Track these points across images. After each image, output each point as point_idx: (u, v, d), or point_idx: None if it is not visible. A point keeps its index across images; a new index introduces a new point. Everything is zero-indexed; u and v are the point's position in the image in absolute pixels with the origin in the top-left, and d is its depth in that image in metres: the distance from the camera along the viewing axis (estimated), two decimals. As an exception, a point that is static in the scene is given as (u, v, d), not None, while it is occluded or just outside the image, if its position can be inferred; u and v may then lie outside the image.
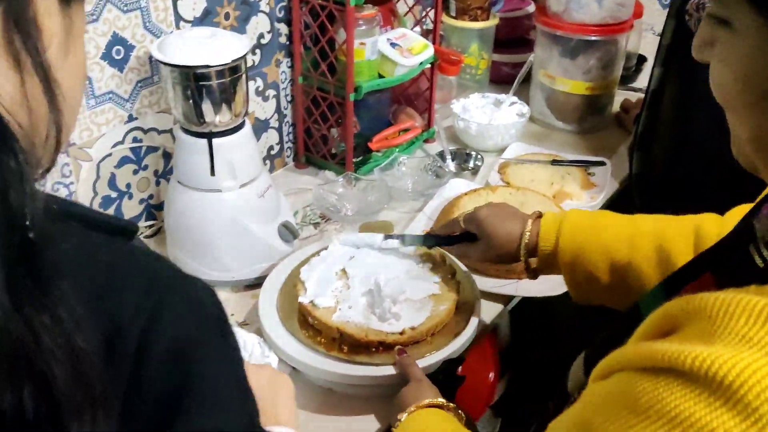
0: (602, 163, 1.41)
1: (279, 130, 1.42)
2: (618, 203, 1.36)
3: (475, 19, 1.66)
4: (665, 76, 1.23)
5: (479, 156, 1.45)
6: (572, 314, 1.20)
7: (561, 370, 0.69)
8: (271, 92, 1.36)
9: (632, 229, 0.85)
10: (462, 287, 1.00)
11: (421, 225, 1.25)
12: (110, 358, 0.39)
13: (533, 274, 0.95)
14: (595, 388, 0.48)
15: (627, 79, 1.77)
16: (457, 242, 1.00)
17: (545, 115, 1.60)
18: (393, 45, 1.34)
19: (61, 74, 0.47)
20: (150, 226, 1.23)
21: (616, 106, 1.64)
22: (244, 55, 1.00)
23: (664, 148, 1.29)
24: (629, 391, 0.43)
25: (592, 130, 1.58)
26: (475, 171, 1.43)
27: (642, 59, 1.86)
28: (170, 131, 1.19)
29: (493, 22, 1.68)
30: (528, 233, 0.90)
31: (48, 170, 0.44)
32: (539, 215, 0.93)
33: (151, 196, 1.22)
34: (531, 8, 1.82)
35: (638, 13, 1.67)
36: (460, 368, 0.98)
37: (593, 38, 1.48)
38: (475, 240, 0.96)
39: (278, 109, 1.40)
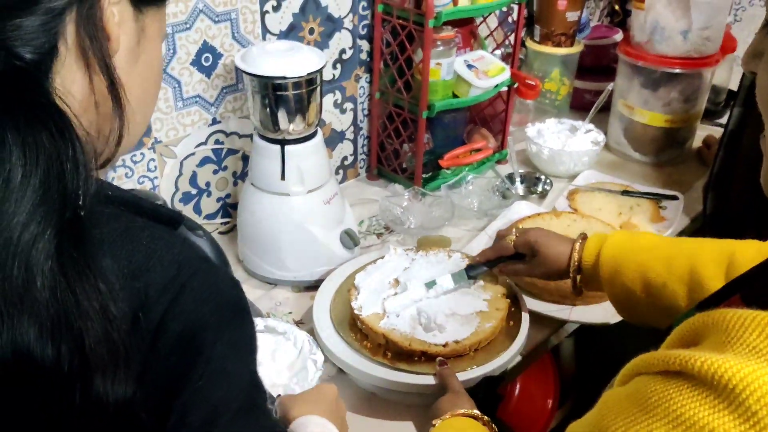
0: (675, 198, 1.39)
1: (354, 141, 1.47)
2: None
3: (559, 45, 1.67)
4: (746, 116, 1.21)
5: (549, 180, 1.45)
6: (637, 344, 1.20)
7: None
8: (348, 105, 1.42)
9: (670, 250, 0.88)
10: (512, 308, 1.01)
11: (482, 244, 1.26)
12: (135, 328, 0.45)
13: (578, 291, 0.99)
14: (615, 391, 0.50)
15: (714, 114, 1.73)
16: (501, 263, 1.04)
17: (621, 145, 1.59)
18: (469, 66, 1.37)
19: (130, 78, 0.53)
20: (225, 223, 1.31)
21: (698, 141, 1.60)
22: (320, 69, 1.06)
23: (740, 190, 1.26)
24: (642, 391, 0.45)
25: (669, 163, 1.55)
26: (543, 195, 1.43)
27: (732, 95, 1.80)
28: (250, 136, 1.26)
29: (577, 49, 1.68)
30: (576, 252, 0.95)
31: (108, 161, 0.50)
32: (585, 236, 0.97)
33: (228, 196, 1.30)
34: (618, 37, 1.81)
35: (730, 48, 1.63)
36: (505, 387, 1.00)
37: (676, 71, 1.45)
38: (523, 259, 1.00)
39: (354, 122, 1.45)
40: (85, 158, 0.43)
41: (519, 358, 1.00)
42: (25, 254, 0.39)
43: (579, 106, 1.78)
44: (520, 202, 1.36)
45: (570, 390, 1.48)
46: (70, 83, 0.49)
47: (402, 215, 1.32)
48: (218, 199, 1.29)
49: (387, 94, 1.40)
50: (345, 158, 1.47)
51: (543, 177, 1.46)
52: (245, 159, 1.29)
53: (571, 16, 1.64)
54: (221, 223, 1.31)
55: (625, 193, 1.40)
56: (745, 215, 1.27)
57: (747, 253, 0.81)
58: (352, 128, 1.46)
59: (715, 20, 1.42)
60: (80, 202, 0.42)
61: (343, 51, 1.36)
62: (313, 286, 1.14)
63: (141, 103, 0.54)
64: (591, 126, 1.54)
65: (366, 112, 1.47)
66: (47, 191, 0.41)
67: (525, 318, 1.01)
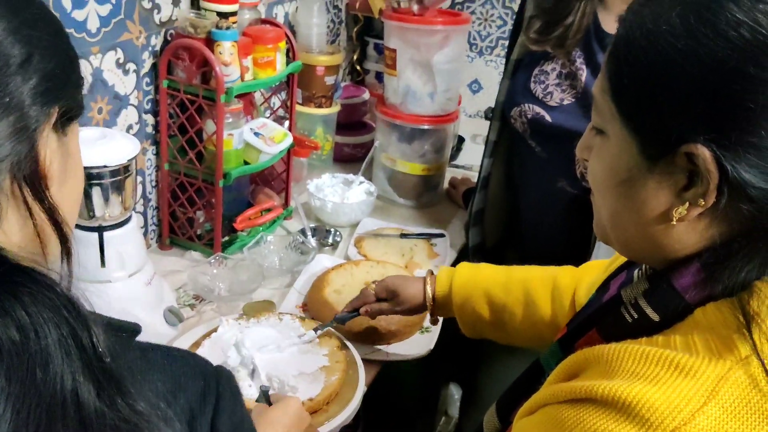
0: (442, 235, 1.62)
1: (144, 214, 1.46)
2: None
3: (320, 106, 1.83)
4: (492, 165, 1.47)
5: (338, 232, 1.59)
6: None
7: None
8: (137, 179, 1.41)
9: (506, 277, 1.06)
10: (347, 356, 1.12)
11: (294, 300, 1.35)
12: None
13: (434, 318, 1.14)
14: (523, 424, 0.63)
15: (452, 157, 2.03)
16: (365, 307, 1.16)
17: (388, 192, 1.79)
18: (256, 134, 1.46)
19: (62, 197, 0.54)
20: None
21: (446, 183, 1.88)
22: (137, 154, 1.07)
23: (493, 224, 1.53)
24: (555, 417, 0.58)
25: (428, 205, 1.80)
26: (335, 246, 1.57)
27: (461, 140, 2.14)
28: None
29: (335, 108, 1.86)
30: (429, 286, 1.10)
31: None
32: (432, 273, 1.13)
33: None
34: (366, 95, 2.04)
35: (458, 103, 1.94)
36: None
37: (427, 127, 1.70)
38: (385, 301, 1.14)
39: (144, 194, 1.44)
40: (79, 304, 0.45)
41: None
42: (74, 404, 0.41)
43: (341, 158, 1.96)
44: (320, 255, 1.47)
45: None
46: (12, 229, 0.49)
47: (210, 283, 1.35)
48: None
49: (176, 164, 1.42)
50: (137, 232, 1.45)
51: (332, 229, 1.60)
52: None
53: (329, 80, 1.82)
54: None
55: (403, 236, 1.60)
56: (501, 245, 1.55)
57: (565, 277, 1.02)
58: (141, 200, 1.44)
59: (453, 84, 1.70)
60: (101, 350, 0.44)
61: (129, 127, 1.35)
62: (143, 370, 1.12)
63: (72, 215, 0.55)
64: (362, 178, 1.72)
65: (154, 183, 1.46)
66: (68, 347, 0.43)
67: (360, 364, 1.13)
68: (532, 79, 1.31)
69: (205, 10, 1.37)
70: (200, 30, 1.32)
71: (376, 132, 1.80)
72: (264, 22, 1.52)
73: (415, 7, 1.63)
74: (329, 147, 1.90)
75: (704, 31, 0.54)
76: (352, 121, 2.01)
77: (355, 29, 2.17)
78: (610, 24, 1.22)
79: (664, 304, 0.60)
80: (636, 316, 0.62)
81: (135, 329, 0.55)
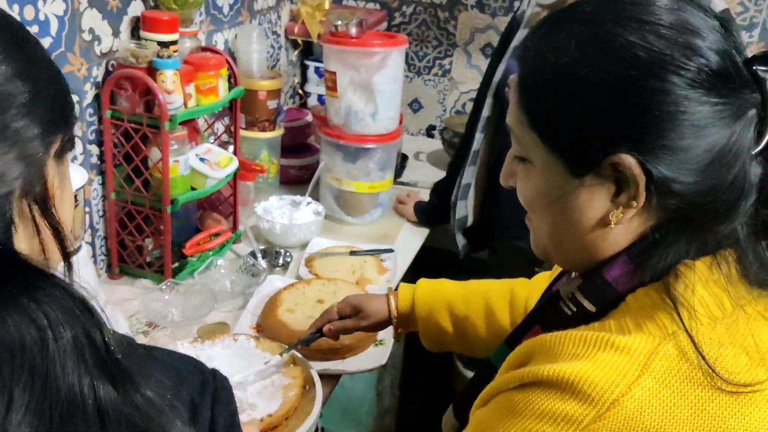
0: (391, 250, 1.66)
1: (92, 244, 1.46)
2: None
3: (264, 130, 1.86)
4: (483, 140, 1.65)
5: (288, 252, 1.62)
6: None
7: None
8: (84, 209, 1.41)
9: (466, 291, 1.10)
10: (303, 372, 1.15)
11: (248, 321, 1.37)
12: (194, 421, 0.59)
13: (398, 333, 1.16)
14: (478, 414, 0.67)
15: (395, 175, 2.07)
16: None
17: (335, 212, 1.83)
18: (202, 159, 1.48)
19: (60, 209, 0.58)
20: None
21: (391, 199, 1.93)
22: (82, 186, 1.08)
23: (477, 202, 1.72)
24: (507, 404, 0.62)
25: (376, 222, 1.84)
26: (285, 266, 1.59)
27: (405, 157, 2.19)
28: None
29: (279, 132, 1.89)
30: (392, 302, 1.12)
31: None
32: (394, 289, 1.16)
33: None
34: (309, 118, 2.07)
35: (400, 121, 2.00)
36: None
37: (370, 146, 1.75)
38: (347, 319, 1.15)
39: (91, 225, 1.44)
40: (92, 305, 0.48)
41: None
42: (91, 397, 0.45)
43: (287, 181, 1.99)
44: (271, 276, 1.49)
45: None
46: (21, 244, 0.54)
47: (163, 309, 1.36)
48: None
49: (123, 193, 1.43)
50: (85, 263, 1.44)
51: (282, 250, 1.62)
52: None
53: (272, 104, 1.85)
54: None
55: (353, 253, 1.63)
56: (479, 226, 1.75)
57: (520, 288, 1.07)
58: (89, 230, 1.44)
59: (394, 103, 1.75)
60: (108, 339, 0.47)
61: (74, 158, 1.35)
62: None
63: (68, 233, 0.59)
64: (310, 199, 1.75)
65: (101, 213, 1.46)
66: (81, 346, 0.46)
67: (317, 379, 1.15)
68: None
69: (146, 40, 1.39)
70: (141, 59, 1.33)
71: (321, 153, 1.84)
72: (204, 49, 1.55)
73: (353, 30, 1.68)
74: (275, 170, 1.92)
75: (602, 57, 0.61)
76: (296, 144, 2.04)
77: (295, 53, 2.21)
78: None
79: (598, 295, 0.66)
80: (575, 308, 0.67)
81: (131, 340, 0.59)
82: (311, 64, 2.28)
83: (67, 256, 0.57)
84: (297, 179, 2.01)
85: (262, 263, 1.57)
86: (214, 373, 0.65)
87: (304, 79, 2.31)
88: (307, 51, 2.27)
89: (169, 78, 1.33)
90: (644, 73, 0.59)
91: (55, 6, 1.21)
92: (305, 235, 1.68)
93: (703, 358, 0.57)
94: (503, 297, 1.07)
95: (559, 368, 0.59)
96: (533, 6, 1.56)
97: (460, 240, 1.76)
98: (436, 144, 2.41)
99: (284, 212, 1.73)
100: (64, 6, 1.24)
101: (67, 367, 0.46)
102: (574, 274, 0.75)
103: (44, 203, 0.55)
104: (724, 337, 0.59)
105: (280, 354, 1.16)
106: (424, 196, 1.89)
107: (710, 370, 0.57)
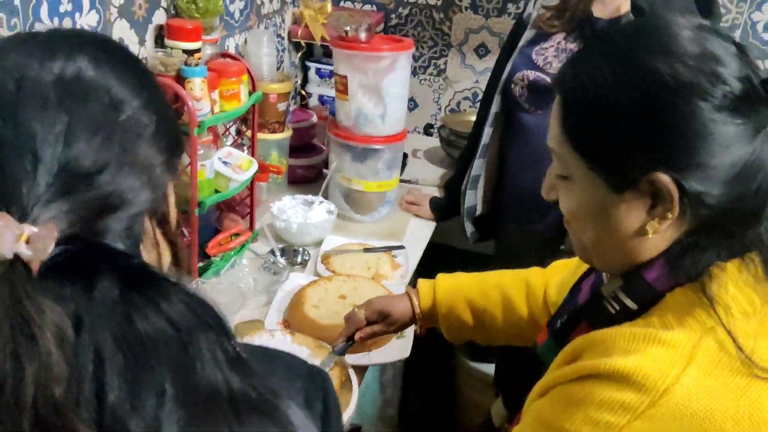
0: (402, 247, 1.74)
1: (119, 246, 1.50)
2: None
3: (274, 132, 1.92)
4: (492, 134, 1.77)
5: (306, 251, 1.68)
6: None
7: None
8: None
9: (483, 284, 1.18)
10: (339, 367, 1.22)
11: (274, 318, 1.43)
12: (309, 408, 0.63)
13: (422, 329, 1.23)
14: (537, 405, 0.75)
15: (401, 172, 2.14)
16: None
17: (345, 210, 1.89)
18: (225, 163, 1.54)
19: (173, 224, 0.65)
20: None
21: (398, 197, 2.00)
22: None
23: (485, 193, 1.86)
24: (567, 396, 0.70)
25: (384, 219, 1.91)
26: (304, 264, 1.65)
27: (405, 155, 2.26)
28: None
29: (288, 133, 1.95)
30: (416, 301, 1.20)
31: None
32: (414, 287, 1.23)
33: None
34: (314, 119, 2.13)
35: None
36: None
37: (379, 147, 1.82)
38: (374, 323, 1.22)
39: (118, 227, 1.49)
40: (218, 310, 0.53)
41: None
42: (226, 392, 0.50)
43: (294, 180, 2.05)
44: (292, 274, 1.56)
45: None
46: (143, 256, 0.59)
47: (193, 308, 1.41)
48: None
49: (149, 196, 1.48)
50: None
51: (300, 248, 1.68)
52: None
53: (281, 106, 1.91)
54: None
55: (367, 250, 1.70)
56: (487, 216, 1.88)
57: (536, 278, 1.15)
58: (116, 234, 1.49)
59: (401, 105, 1.82)
60: (233, 340, 0.53)
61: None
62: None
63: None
64: (322, 198, 1.82)
65: (127, 216, 1.51)
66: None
67: (352, 373, 1.23)
68: (533, 55, 1.67)
69: (171, 48, 1.44)
70: (170, 68, 1.38)
71: (331, 154, 1.90)
72: (224, 55, 1.60)
73: (363, 35, 1.75)
74: (284, 170, 1.98)
75: (637, 86, 0.69)
76: (302, 144, 2.10)
77: (299, 55, 2.27)
78: (597, 10, 1.60)
79: (639, 294, 0.74)
80: (618, 307, 0.75)
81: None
82: (312, 66, 2.33)
83: (180, 266, 0.64)
84: (304, 178, 2.07)
85: (282, 261, 1.63)
86: (318, 369, 0.70)
87: (305, 80, 2.37)
88: (308, 53, 2.33)
89: (197, 85, 1.39)
90: (675, 101, 0.67)
91: (89, 18, 1.26)
92: (320, 233, 1.74)
93: (741, 349, 0.66)
94: (519, 288, 1.15)
95: (614, 362, 0.67)
96: (538, 8, 1.69)
97: (469, 228, 1.87)
98: (432, 142, 2.48)
99: (298, 211, 1.79)
100: (98, 17, 1.28)
101: (204, 364, 0.51)
102: (607, 276, 0.83)
103: (164, 223, 0.61)
104: (757, 331, 0.68)
105: (322, 364, 1.21)
106: (427, 192, 1.99)
107: (748, 360, 0.66)
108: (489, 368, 2.29)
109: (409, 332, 1.41)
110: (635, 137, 0.70)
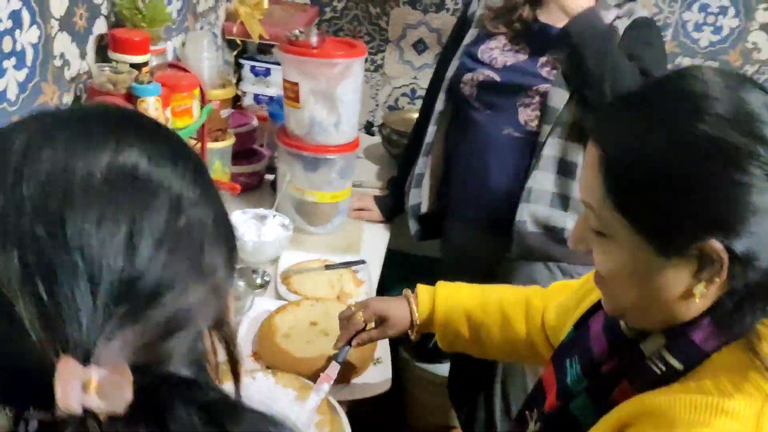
0: (363, 262, 1.68)
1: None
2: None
3: (217, 140, 1.80)
4: (436, 132, 1.76)
5: (264, 272, 1.59)
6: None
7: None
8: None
9: (483, 298, 1.16)
10: (331, 408, 1.16)
11: (244, 350, 1.35)
12: None
13: (417, 336, 1.20)
14: None
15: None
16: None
17: (297, 222, 1.81)
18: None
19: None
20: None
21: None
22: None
23: (430, 191, 1.85)
24: None
25: (339, 230, 1.85)
26: (264, 286, 1.57)
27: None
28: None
29: (230, 141, 1.83)
30: (414, 307, 1.17)
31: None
32: (413, 292, 1.19)
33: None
34: (255, 122, 2.02)
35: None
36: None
37: (334, 157, 1.74)
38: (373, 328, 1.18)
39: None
40: None
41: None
42: None
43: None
44: (258, 298, 1.47)
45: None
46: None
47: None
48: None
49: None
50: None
51: (259, 269, 1.59)
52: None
53: (224, 113, 1.80)
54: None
55: (328, 267, 1.63)
56: (432, 214, 1.85)
57: (536, 298, 1.14)
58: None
59: (355, 112, 1.75)
60: None
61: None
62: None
63: None
64: (275, 212, 1.73)
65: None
66: None
67: (340, 409, 1.17)
68: (479, 53, 1.65)
69: (116, 62, 1.31)
70: (120, 85, 1.26)
71: (280, 163, 1.81)
72: (171, 66, 1.47)
73: (314, 39, 1.65)
74: (227, 179, 1.87)
75: (690, 153, 0.67)
76: (243, 150, 1.99)
77: (234, 54, 2.14)
78: (543, 16, 1.62)
79: (686, 355, 0.72)
80: (664, 368, 0.74)
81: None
82: (246, 63, 2.21)
83: (237, 376, 0.56)
84: (246, 186, 1.96)
85: (241, 284, 1.54)
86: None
87: (238, 79, 2.24)
88: (242, 50, 2.20)
89: (151, 105, 1.26)
90: (731, 168, 0.65)
91: (30, 34, 1.11)
92: (275, 251, 1.65)
93: None
94: (519, 308, 1.14)
95: None
96: (482, 8, 1.69)
97: (413, 226, 1.85)
98: (371, 140, 2.42)
99: (250, 227, 1.69)
100: (38, 32, 1.14)
101: None
102: (628, 328, 0.82)
103: (225, 331, 0.54)
104: None
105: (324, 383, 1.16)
106: (373, 194, 1.98)
107: None
108: (436, 368, 2.29)
109: (386, 357, 1.37)
110: (686, 204, 0.68)
